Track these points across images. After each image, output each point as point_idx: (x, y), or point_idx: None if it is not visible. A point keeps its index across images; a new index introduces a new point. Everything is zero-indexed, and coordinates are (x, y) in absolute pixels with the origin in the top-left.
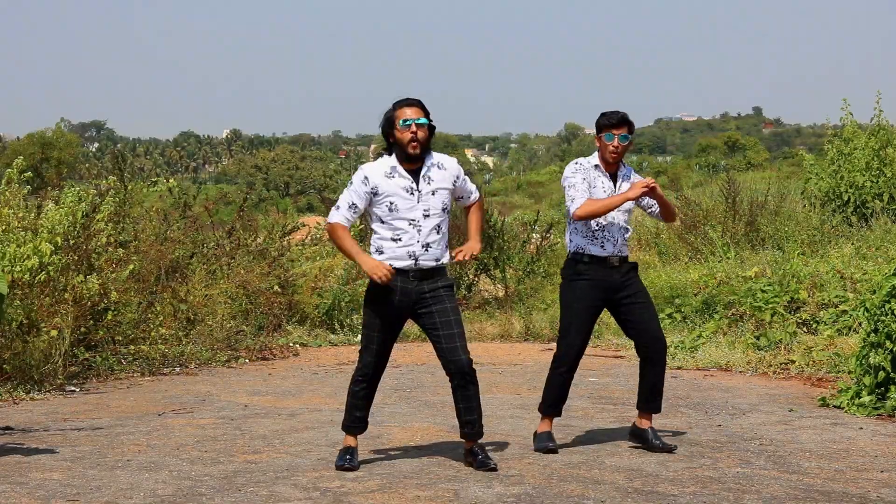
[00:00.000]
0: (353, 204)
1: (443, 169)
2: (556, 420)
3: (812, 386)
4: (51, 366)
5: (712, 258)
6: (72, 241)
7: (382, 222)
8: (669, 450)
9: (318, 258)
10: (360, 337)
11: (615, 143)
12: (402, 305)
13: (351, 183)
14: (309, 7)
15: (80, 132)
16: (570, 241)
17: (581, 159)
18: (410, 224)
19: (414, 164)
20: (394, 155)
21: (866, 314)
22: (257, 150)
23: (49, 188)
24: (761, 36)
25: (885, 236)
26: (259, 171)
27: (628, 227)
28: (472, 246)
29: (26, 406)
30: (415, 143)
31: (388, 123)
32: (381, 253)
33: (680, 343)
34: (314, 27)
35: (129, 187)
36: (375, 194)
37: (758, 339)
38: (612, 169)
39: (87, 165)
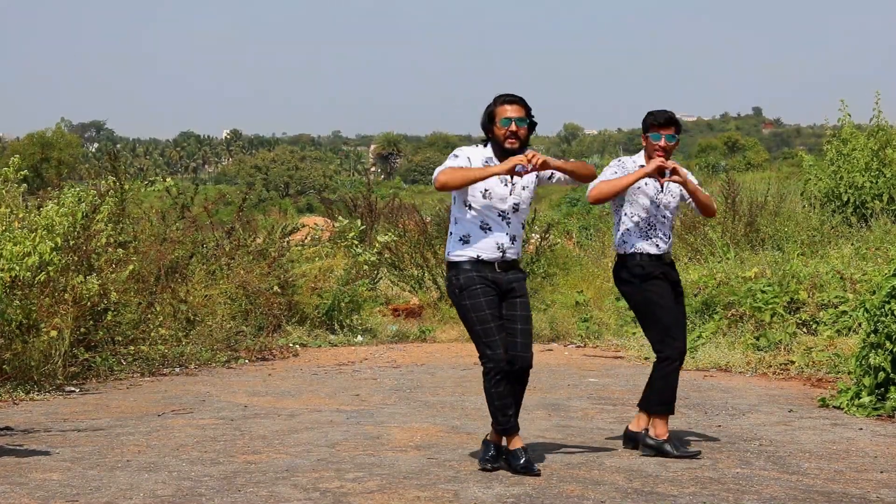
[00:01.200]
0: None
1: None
2: (555, 420)
3: (812, 386)
4: (50, 366)
5: (712, 258)
6: (72, 242)
7: (471, 209)
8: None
9: (317, 258)
10: (358, 336)
11: (662, 142)
12: (496, 290)
13: (455, 156)
14: (308, 7)
15: (79, 132)
16: (624, 240)
17: (626, 158)
18: (500, 216)
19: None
20: (489, 146)
21: (866, 315)
22: (257, 151)
23: (48, 188)
24: (761, 36)
25: (884, 237)
26: (259, 172)
27: (672, 224)
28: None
29: (26, 406)
30: (512, 140)
31: (489, 118)
32: (468, 242)
33: None
34: (314, 27)
35: (127, 187)
36: (457, 157)
37: (757, 339)
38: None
39: (86, 166)
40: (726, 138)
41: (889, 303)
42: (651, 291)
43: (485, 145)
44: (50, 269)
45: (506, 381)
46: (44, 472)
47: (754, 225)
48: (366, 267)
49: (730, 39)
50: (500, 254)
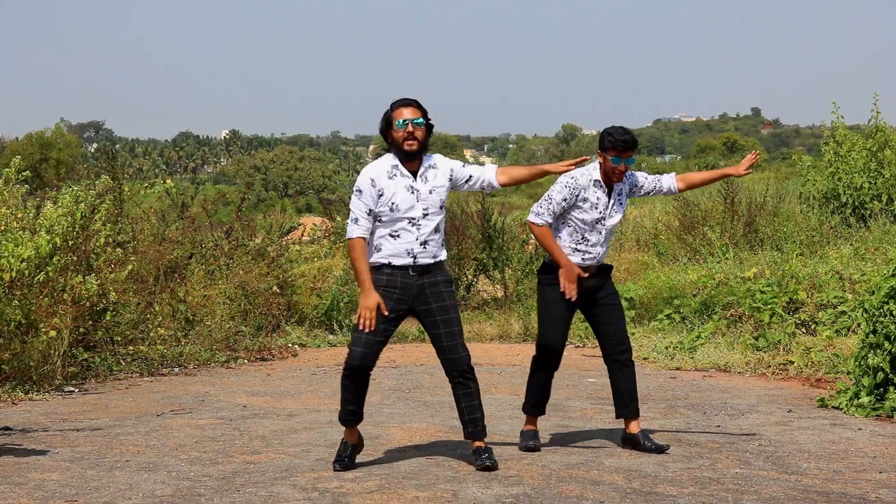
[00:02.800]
0: (369, 210)
1: (436, 168)
2: (554, 421)
3: (811, 387)
4: (49, 366)
5: (711, 259)
6: (70, 242)
7: (382, 221)
8: (662, 450)
9: (315, 259)
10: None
11: (622, 167)
12: (401, 303)
13: (359, 191)
14: (307, 8)
15: (78, 133)
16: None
17: (578, 173)
18: (410, 222)
19: (412, 163)
20: (393, 154)
21: (865, 315)
22: (256, 151)
23: (47, 189)
24: (760, 36)
25: (883, 237)
26: (258, 172)
27: (611, 238)
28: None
29: (25, 406)
30: (411, 142)
31: (387, 124)
32: (380, 250)
33: (679, 344)
34: (312, 27)
35: (126, 188)
36: (381, 195)
37: (756, 339)
38: (611, 183)
39: (84, 166)
40: (725, 139)
41: (888, 303)
42: (557, 298)
43: (387, 151)
44: (49, 268)
45: (357, 383)
46: (43, 473)
47: (753, 225)
48: None
49: (728, 40)
50: (411, 258)
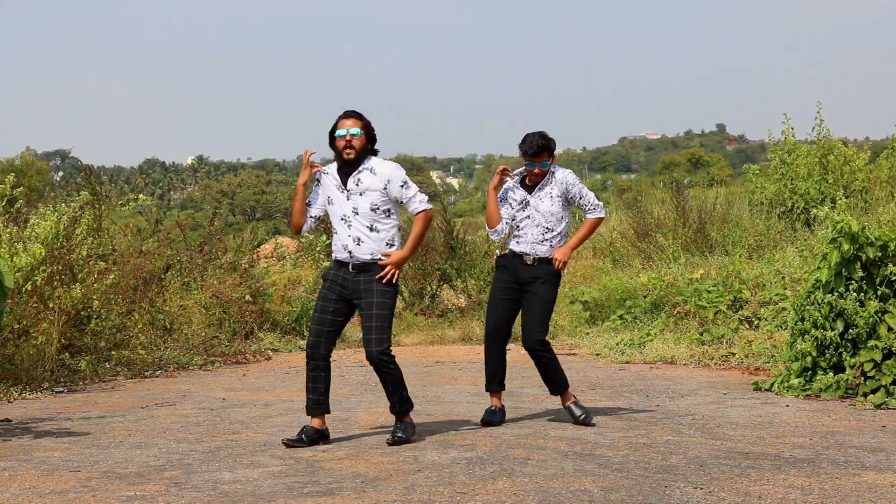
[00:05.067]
0: (318, 200)
1: (374, 174)
2: (508, 404)
3: (750, 375)
4: (40, 369)
5: (663, 264)
6: (55, 252)
7: (330, 216)
8: (586, 422)
9: (284, 270)
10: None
11: (537, 170)
12: (341, 293)
13: (317, 183)
14: (271, 35)
15: (44, 161)
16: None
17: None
18: (342, 220)
19: (350, 168)
20: (336, 160)
21: (793, 304)
22: (223, 176)
23: (26, 209)
24: (724, 53)
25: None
26: (225, 197)
27: (550, 226)
28: (395, 253)
29: (20, 404)
30: (348, 150)
31: (330, 135)
32: (332, 245)
33: (629, 340)
34: (277, 53)
35: (104, 207)
36: (322, 190)
37: (701, 335)
38: (536, 181)
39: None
40: (690, 155)
41: (813, 293)
42: (493, 282)
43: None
44: (36, 278)
45: (312, 370)
46: (46, 452)
47: (704, 231)
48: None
49: (693, 57)
50: (347, 253)
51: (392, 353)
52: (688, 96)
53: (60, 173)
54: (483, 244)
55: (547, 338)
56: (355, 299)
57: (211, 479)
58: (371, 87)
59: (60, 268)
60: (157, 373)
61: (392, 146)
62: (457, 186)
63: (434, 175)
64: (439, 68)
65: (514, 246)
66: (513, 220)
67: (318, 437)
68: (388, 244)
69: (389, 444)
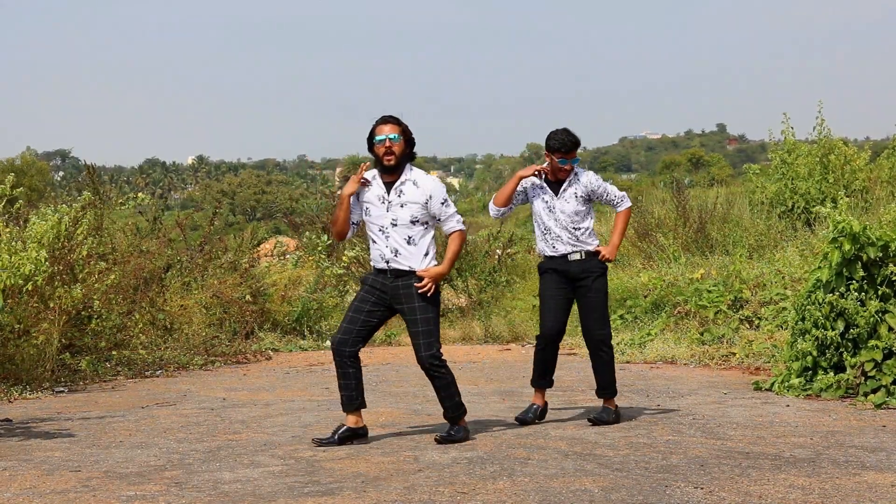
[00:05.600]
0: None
1: (417, 186)
2: (509, 403)
3: (750, 374)
4: (40, 369)
5: (664, 264)
6: (56, 253)
7: (367, 224)
8: (600, 422)
9: (284, 270)
10: (326, 342)
11: (568, 167)
12: (381, 297)
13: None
14: (271, 34)
15: (45, 161)
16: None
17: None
18: (380, 230)
19: (391, 176)
20: (376, 166)
21: (794, 304)
22: (223, 176)
23: (27, 209)
24: (724, 53)
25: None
26: (225, 196)
27: (577, 225)
28: (432, 269)
29: (21, 403)
30: (388, 157)
31: (369, 140)
32: (370, 251)
33: (630, 340)
34: (276, 54)
35: (105, 207)
36: (360, 199)
37: (702, 334)
38: (562, 178)
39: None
40: (690, 155)
41: (814, 293)
42: (543, 285)
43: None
44: (37, 278)
45: (340, 366)
46: (46, 452)
47: (704, 231)
48: (333, 279)
49: (693, 56)
50: (385, 263)
51: (442, 356)
52: (688, 96)
53: (61, 173)
54: (483, 244)
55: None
56: (396, 304)
57: (211, 478)
58: (371, 87)
59: (61, 268)
60: (158, 373)
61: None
62: (457, 186)
63: (434, 174)
64: (439, 68)
65: (550, 251)
66: (540, 222)
67: (350, 435)
68: (424, 255)
69: (438, 442)
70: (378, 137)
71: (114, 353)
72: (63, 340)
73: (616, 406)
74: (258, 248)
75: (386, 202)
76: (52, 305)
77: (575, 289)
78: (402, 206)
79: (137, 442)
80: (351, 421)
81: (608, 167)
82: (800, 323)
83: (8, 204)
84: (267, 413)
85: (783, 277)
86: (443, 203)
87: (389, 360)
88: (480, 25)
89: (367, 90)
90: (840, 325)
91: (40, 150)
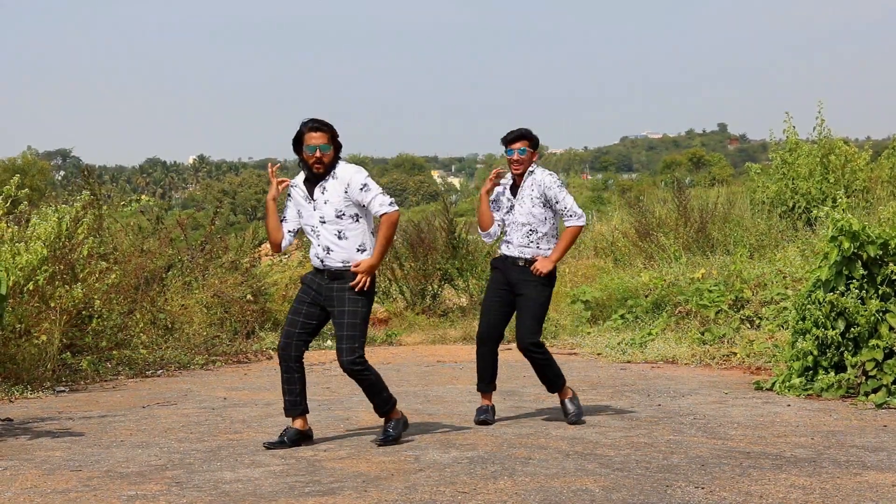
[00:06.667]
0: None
1: (335, 179)
2: (510, 403)
3: (751, 374)
4: (41, 369)
5: (664, 263)
6: (57, 252)
7: (303, 227)
8: (575, 422)
9: (286, 269)
10: (328, 342)
11: (515, 156)
12: (315, 297)
13: (288, 197)
14: (271, 34)
15: (46, 160)
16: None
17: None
18: (312, 230)
19: (318, 179)
20: (302, 168)
21: (794, 304)
22: (224, 176)
23: (28, 208)
24: (726, 52)
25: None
26: (226, 196)
27: (533, 227)
28: (364, 261)
29: (22, 403)
30: (318, 166)
31: (297, 142)
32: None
33: (631, 340)
34: (277, 54)
35: (105, 207)
36: (293, 202)
37: (703, 334)
38: (518, 181)
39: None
40: (691, 154)
41: (815, 292)
42: (488, 284)
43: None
44: (38, 277)
45: (285, 371)
46: (47, 451)
47: (705, 231)
48: None
49: (695, 56)
50: (320, 262)
51: (364, 360)
52: (689, 96)
53: (62, 173)
54: (484, 244)
55: (542, 339)
56: (328, 306)
57: (212, 478)
58: (371, 87)
59: (62, 267)
60: (159, 372)
61: (393, 146)
62: (458, 186)
63: (435, 174)
64: (439, 68)
65: (503, 249)
66: (502, 223)
67: (299, 438)
68: (358, 250)
69: (378, 445)
70: (308, 146)
71: (115, 352)
72: (64, 340)
73: (572, 392)
74: (259, 248)
75: (312, 202)
76: (52, 305)
77: (515, 293)
78: (325, 203)
79: (138, 441)
80: (298, 424)
81: (609, 167)
82: (800, 322)
83: (11, 205)
84: (267, 413)
85: (784, 277)
86: (362, 188)
87: (390, 360)
88: (480, 25)
89: (367, 90)
90: (840, 325)
91: (41, 150)
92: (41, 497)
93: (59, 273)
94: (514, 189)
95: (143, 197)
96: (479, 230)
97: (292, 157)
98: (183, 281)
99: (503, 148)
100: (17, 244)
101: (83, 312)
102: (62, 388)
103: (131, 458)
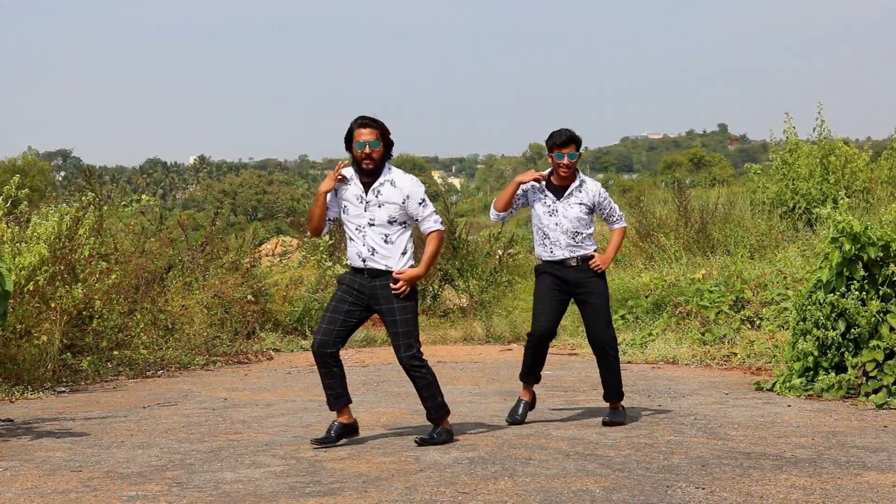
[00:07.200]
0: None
1: (395, 186)
2: (510, 404)
3: (752, 375)
4: (41, 369)
5: (665, 264)
6: (58, 253)
7: (344, 222)
8: (613, 423)
9: (287, 270)
10: None
11: (566, 161)
12: (358, 297)
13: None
14: (272, 34)
15: (46, 161)
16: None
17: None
18: (357, 228)
19: (369, 177)
20: (353, 166)
21: (795, 305)
22: (225, 176)
23: (29, 208)
24: (726, 53)
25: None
26: (227, 196)
27: (579, 231)
28: (409, 271)
29: (23, 404)
30: (367, 162)
31: (348, 140)
32: (348, 253)
33: (631, 340)
34: (277, 54)
35: (105, 207)
36: (338, 196)
37: (703, 335)
38: (565, 183)
39: (54, 194)
40: (691, 155)
41: (815, 293)
42: (538, 285)
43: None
44: (39, 278)
45: (323, 367)
46: (48, 452)
47: (705, 231)
48: (334, 279)
49: (695, 56)
50: (361, 262)
51: (422, 355)
52: (690, 96)
53: (62, 173)
54: (485, 244)
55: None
56: (374, 305)
57: (213, 479)
58: (371, 87)
59: (62, 268)
60: (159, 373)
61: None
62: (459, 186)
63: (436, 175)
64: (439, 68)
65: (548, 256)
66: (539, 226)
67: (345, 431)
68: (402, 253)
69: (418, 445)
70: (357, 143)
71: (115, 353)
72: (64, 340)
73: (623, 406)
74: (260, 249)
75: (364, 202)
76: (53, 305)
77: (574, 294)
78: (379, 207)
79: (139, 442)
80: (343, 418)
81: (610, 167)
82: (801, 323)
83: (11, 205)
84: (268, 413)
85: (784, 278)
86: (420, 203)
87: (391, 360)
88: (480, 25)
89: (367, 90)
90: (841, 326)
91: (42, 150)
92: (41, 497)
93: (60, 273)
94: (550, 185)
95: (143, 197)
96: (493, 208)
97: (290, 158)
98: (183, 281)
99: (548, 148)
100: (17, 244)
101: (84, 313)
102: (63, 389)
103: (132, 459)
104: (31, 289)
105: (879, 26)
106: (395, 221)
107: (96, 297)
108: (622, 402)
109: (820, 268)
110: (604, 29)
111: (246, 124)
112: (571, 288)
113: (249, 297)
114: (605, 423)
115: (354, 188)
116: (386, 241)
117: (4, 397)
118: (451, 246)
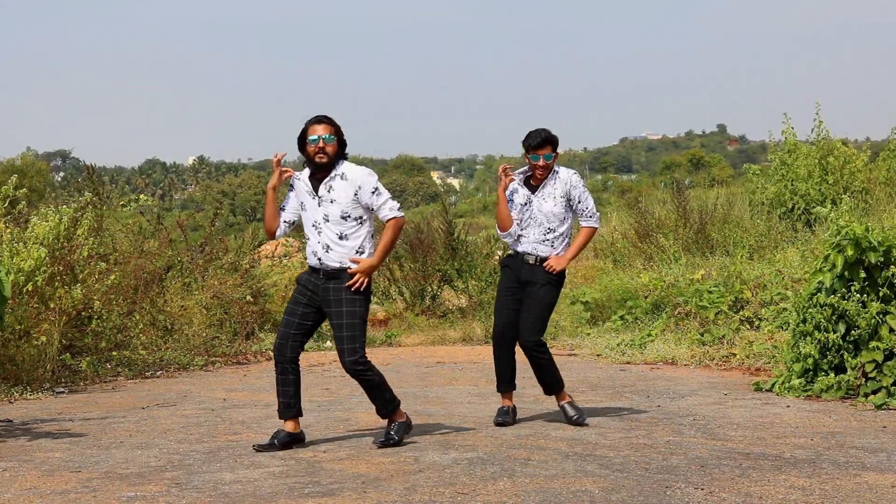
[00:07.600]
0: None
1: (345, 179)
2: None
3: (751, 375)
4: (40, 370)
5: (664, 264)
6: (56, 253)
7: (303, 221)
8: (579, 422)
9: (285, 270)
10: (328, 342)
11: (541, 162)
12: (312, 299)
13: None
14: (271, 36)
15: (45, 161)
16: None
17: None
18: (313, 226)
19: (322, 173)
20: (307, 167)
21: (795, 307)
22: (224, 177)
23: (27, 210)
24: (725, 53)
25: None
26: (226, 197)
27: (552, 227)
28: (364, 260)
29: (21, 404)
30: (321, 156)
31: (301, 139)
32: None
33: (630, 341)
34: (277, 54)
35: (105, 207)
36: (296, 196)
37: (702, 335)
38: (541, 182)
39: (54, 195)
40: (690, 155)
41: (816, 295)
42: (499, 282)
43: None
44: (37, 278)
45: (280, 372)
46: (47, 452)
47: (704, 232)
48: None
49: (694, 57)
50: (317, 259)
51: (366, 360)
52: (689, 97)
53: (61, 174)
54: (484, 245)
55: (544, 339)
56: (324, 307)
57: (212, 479)
58: (371, 87)
59: (61, 268)
60: (158, 373)
61: (392, 146)
62: (458, 187)
63: (435, 175)
64: (439, 68)
65: (516, 246)
66: (517, 219)
67: (290, 440)
68: (357, 252)
69: (379, 447)
70: (311, 138)
71: (114, 353)
72: (63, 341)
73: (570, 397)
74: (259, 249)
75: (317, 198)
76: (52, 306)
77: (523, 291)
78: (332, 202)
79: (138, 442)
80: (290, 427)
81: (609, 167)
82: (801, 325)
83: (10, 205)
84: (267, 414)
85: (784, 278)
86: (373, 192)
87: (390, 360)
88: (480, 25)
89: (367, 90)
90: (841, 328)
91: (41, 151)
92: (40, 498)
93: (59, 274)
94: (528, 183)
95: (141, 196)
96: (499, 231)
97: (291, 158)
98: (182, 282)
99: (524, 149)
100: (16, 245)
101: (83, 313)
102: (62, 389)
103: (131, 460)
104: (29, 289)
105: (878, 27)
106: (349, 217)
107: (95, 297)
108: (568, 395)
109: (820, 270)
110: (603, 29)
111: (245, 125)
112: (522, 285)
113: (248, 297)
114: (573, 424)
115: (307, 185)
116: (341, 238)
117: (3, 398)
118: (450, 246)
